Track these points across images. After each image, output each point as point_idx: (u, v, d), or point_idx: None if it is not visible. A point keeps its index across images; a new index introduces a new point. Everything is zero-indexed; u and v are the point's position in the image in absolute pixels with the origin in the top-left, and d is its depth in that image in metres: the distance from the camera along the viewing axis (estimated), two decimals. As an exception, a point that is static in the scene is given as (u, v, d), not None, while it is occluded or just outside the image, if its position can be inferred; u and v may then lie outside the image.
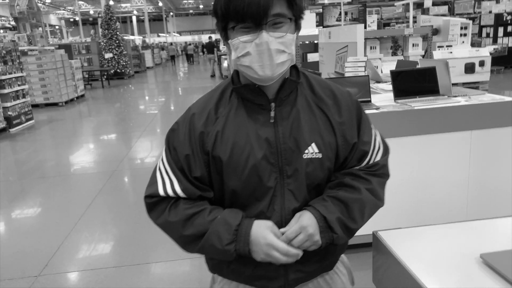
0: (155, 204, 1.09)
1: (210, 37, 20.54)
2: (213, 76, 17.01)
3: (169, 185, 1.07)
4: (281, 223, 1.04)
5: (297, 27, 1.02)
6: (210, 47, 17.60)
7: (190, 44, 33.81)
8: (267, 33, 0.94)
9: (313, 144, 1.03)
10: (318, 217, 1.00)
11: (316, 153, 1.03)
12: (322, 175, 1.06)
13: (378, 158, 1.11)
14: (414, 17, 6.91)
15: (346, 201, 1.02)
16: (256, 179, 1.02)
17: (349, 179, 1.06)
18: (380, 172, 1.10)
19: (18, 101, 8.10)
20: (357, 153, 1.08)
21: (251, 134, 1.03)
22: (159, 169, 1.10)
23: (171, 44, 36.33)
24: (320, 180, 1.06)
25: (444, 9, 13.46)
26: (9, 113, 7.75)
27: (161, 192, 1.07)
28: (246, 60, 0.97)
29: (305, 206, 1.05)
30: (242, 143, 1.02)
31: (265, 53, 0.94)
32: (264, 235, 0.98)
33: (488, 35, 12.47)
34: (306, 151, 1.03)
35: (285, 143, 1.02)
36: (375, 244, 1.11)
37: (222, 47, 16.25)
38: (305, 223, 0.98)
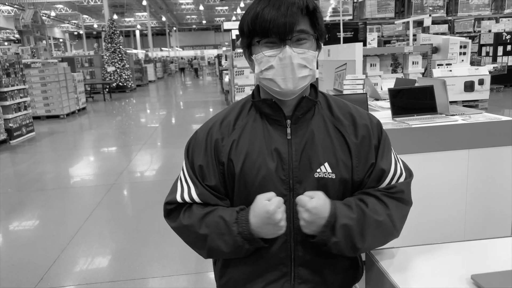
0: (173, 210, 1.12)
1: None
2: None
3: (187, 191, 1.10)
4: (290, 241, 1.06)
5: (318, 46, 1.07)
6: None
7: (195, 59, 34.48)
8: (291, 48, 0.98)
9: (326, 164, 1.04)
10: (331, 212, 0.99)
11: (329, 173, 1.04)
12: (335, 196, 1.05)
13: (399, 181, 1.09)
14: (414, 35, 6.98)
15: (366, 214, 1.01)
16: (266, 191, 1.03)
17: (374, 199, 1.05)
18: (399, 196, 1.07)
19: (19, 113, 8.15)
20: (375, 174, 1.07)
21: (265, 147, 1.05)
22: (180, 179, 1.14)
23: (182, 58, 38.60)
24: (335, 200, 1.05)
25: (444, 27, 13.62)
26: (10, 124, 7.78)
27: (178, 198, 1.10)
28: (270, 73, 1.00)
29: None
30: (255, 154, 1.05)
31: (288, 67, 0.98)
32: (261, 206, 0.99)
33: (487, 53, 12.57)
34: (318, 170, 1.04)
35: (297, 161, 1.04)
36: (368, 264, 1.11)
37: (224, 62, 16.38)
38: (317, 204, 0.98)
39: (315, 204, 0.97)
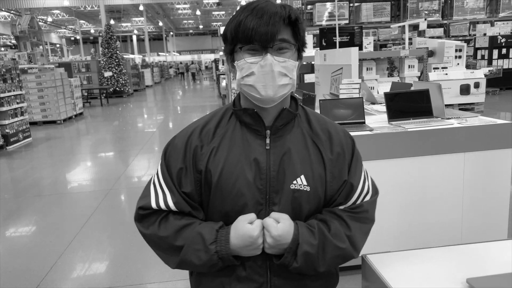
0: (146, 216, 1.11)
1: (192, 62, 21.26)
2: None
3: (162, 198, 1.09)
4: (265, 253, 1.06)
5: (299, 57, 1.09)
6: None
7: (192, 63, 34.78)
8: (272, 56, 1.00)
9: (302, 176, 1.06)
10: (294, 238, 1.01)
11: (304, 185, 1.06)
12: (308, 207, 1.07)
13: (365, 199, 1.12)
14: (410, 39, 7.02)
15: (327, 240, 1.04)
16: (242, 201, 1.04)
17: (338, 222, 1.07)
18: (363, 216, 1.10)
19: (16, 119, 8.13)
20: (345, 190, 1.10)
21: (244, 156, 1.06)
22: (153, 183, 1.13)
23: (181, 63, 40.09)
24: (307, 212, 1.08)
25: (439, 31, 13.69)
26: (7, 130, 7.76)
27: (153, 205, 1.09)
28: (251, 80, 1.02)
29: None
30: (233, 163, 1.06)
31: (268, 74, 1.00)
32: (245, 230, 1.01)
33: (483, 57, 12.65)
34: (295, 182, 1.05)
35: (275, 171, 1.05)
36: (364, 268, 1.12)
37: (221, 66, 16.42)
38: (282, 231, 1.01)
39: (280, 231, 1.00)
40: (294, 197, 1.05)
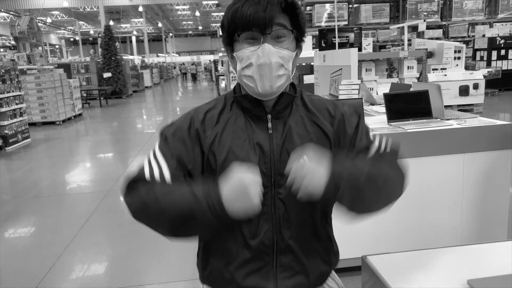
0: (134, 188, 1.05)
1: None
2: None
3: (157, 170, 1.06)
4: (272, 233, 1.08)
5: (298, 47, 1.10)
6: None
7: (193, 64, 35.03)
8: (269, 45, 1.01)
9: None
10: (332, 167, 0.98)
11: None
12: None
13: (386, 149, 1.13)
14: (409, 40, 7.03)
15: (370, 168, 1.02)
16: None
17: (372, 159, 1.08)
18: (394, 157, 1.12)
19: (15, 120, 8.11)
20: (362, 154, 1.11)
21: (248, 141, 1.08)
22: (148, 159, 1.11)
23: (183, 64, 42.34)
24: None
25: (438, 32, 13.72)
26: (6, 131, 7.74)
27: (147, 176, 1.06)
28: (249, 71, 1.03)
29: (296, 217, 1.08)
30: (238, 148, 1.07)
31: (266, 66, 1.01)
32: (237, 175, 0.95)
33: (482, 58, 12.66)
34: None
35: (278, 154, 1.07)
36: (364, 269, 1.12)
37: (220, 67, 16.43)
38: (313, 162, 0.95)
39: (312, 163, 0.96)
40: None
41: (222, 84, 14.93)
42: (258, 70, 1.02)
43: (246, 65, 1.04)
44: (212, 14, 37.70)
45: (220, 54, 19.50)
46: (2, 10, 24.52)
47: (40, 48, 13.84)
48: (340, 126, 1.12)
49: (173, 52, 50.89)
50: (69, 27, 37.84)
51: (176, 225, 1.00)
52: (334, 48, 5.09)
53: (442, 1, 13.60)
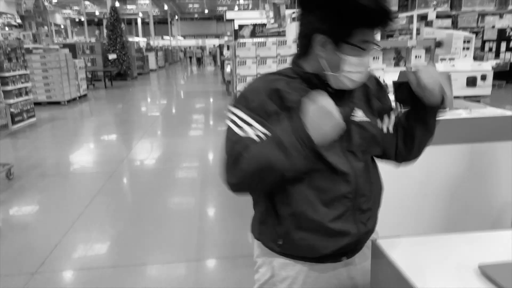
0: (237, 162, 1.07)
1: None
2: None
3: (251, 131, 1.09)
4: (352, 175, 1.17)
5: None
6: None
7: (198, 48, 34.76)
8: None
9: (360, 111, 1.22)
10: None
11: (363, 117, 1.21)
12: (374, 134, 1.24)
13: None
14: (418, 29, 6.94)
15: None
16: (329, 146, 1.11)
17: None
18: None
19: (21, 98, 8.12)
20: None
21: None
22: (232, 128, 1.11)
23: (190, 47, 43.20)
24: (373, 142, 1.24)
25: (447, 22, 13.53)
26: (12, 110, 7.76)
27: (241, 134, 1.09)
28: (354, 76, 1.12)
29: (366, 164, 1.22)
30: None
31: (365, 68, 1.15)
32: (310, 103, 1.04)
33: (490, 49, 12.53)
34: (355, 115, 1.21)
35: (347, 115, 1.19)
36: (374, 252, 1.12)
37: (225, 52, 16.31)
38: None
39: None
40: (360, 130, 1.19)
41: (228, 69, 14.84)
42: (359, 73, 1.12)
43: (354, 71, 1.11)
44: (219, -3, 37.33)
45: (226, 38, 19.33)
46: (8, -12, 24.31)
47: (46, 27, 13.78)
48: (378, 87, 1.35)
49: (179, 35, 50.53)
50: (75, 7, 37.55)
51: (273, 167, 1.04)
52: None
53: (452, -10, 13.39)
